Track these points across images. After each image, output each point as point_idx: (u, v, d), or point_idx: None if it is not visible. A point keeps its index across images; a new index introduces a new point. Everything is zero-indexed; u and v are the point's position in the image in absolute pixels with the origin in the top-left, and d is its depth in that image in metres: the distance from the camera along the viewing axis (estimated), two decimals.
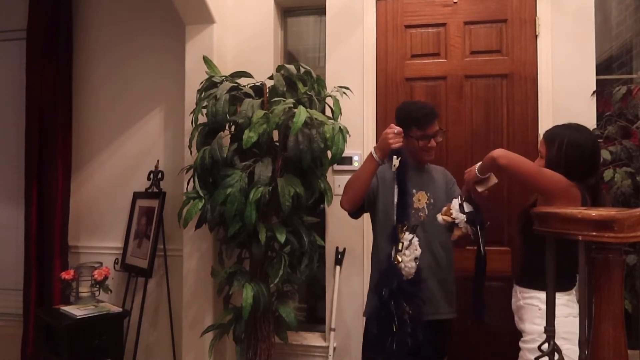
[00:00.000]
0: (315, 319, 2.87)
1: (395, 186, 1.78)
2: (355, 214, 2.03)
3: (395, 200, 1.78)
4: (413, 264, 1.75)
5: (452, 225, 1.81)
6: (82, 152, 3.11)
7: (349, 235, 2.63)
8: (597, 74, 2.44)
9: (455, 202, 1.79)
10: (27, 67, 3.03)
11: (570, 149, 1.64)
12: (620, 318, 0.95)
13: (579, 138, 1.66)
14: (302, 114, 2.05)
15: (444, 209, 1.83)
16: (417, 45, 2.65)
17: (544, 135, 1.75)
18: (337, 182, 2.65)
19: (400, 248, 1.74)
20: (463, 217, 1.76)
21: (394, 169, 1.80)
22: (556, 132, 1.71)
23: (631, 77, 2.54)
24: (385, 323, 1.71)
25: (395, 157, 1.79)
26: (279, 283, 2.20)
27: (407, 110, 1.98)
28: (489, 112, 2.56)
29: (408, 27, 2.66)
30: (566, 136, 1.66)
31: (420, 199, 1.96)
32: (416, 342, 1.70)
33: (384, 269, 1.78)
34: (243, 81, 2.38)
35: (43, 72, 2.98)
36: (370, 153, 1.83)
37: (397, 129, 1.78)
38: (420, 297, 1.78)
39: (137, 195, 2.98)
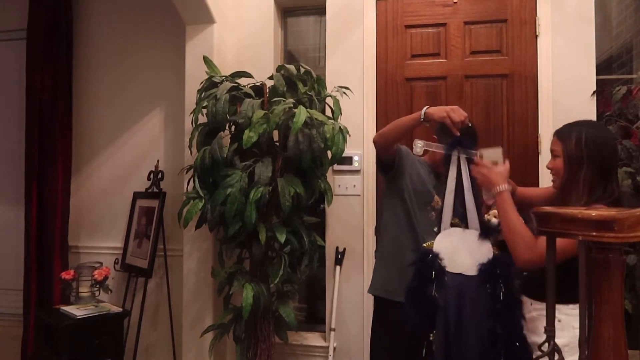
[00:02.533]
0: (315, 319, 2.87)
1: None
2: (384, 162, 1.96)
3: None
4: None
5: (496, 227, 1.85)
6: (82, 152, 3.11)
7: (349, 235, 2.63)
8: (597, 74, 2.44)
9: None
10: (27, 67, 3.03)
11: (591, 143, 1.52)
12: (620, 318, 0.95)
13: (597, 132, 1.57)
14: (302, 114, 2.05)
15: (494, 211, 1.87)
16: (417, 45, 2.65)
17: (557, 132, 1.63)
18: (337, 182, 2.65)
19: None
20: None
21: (415, 149, 1.76)
22: (570, 128, 1.59)
23: (631, 77, 2.54)
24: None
25: (421, 143, 1.76)
26: (279, 283, 2.20)
27: None
28: (489, 112, 2.56)
29: (408, 27, 2.66)
30: (583, 130, 1.55)
31: (437, 201, 1.98)
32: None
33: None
34: (243, 81, 2.38)
35: (43, 72, 2.98)
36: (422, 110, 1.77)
37: (465, 116, 1.71)
38: None
39: (137, 195, 2.98)
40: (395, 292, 1.90)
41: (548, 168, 1.68)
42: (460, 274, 1.63)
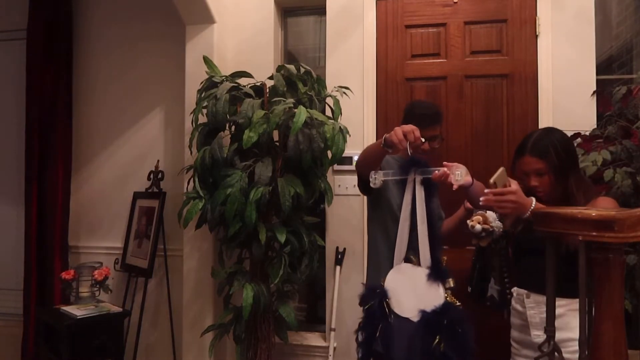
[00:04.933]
0: (315, 319, 2.87)
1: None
2: (365, 185, 1.78)
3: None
4: None
5: (479, 234, 1.82)
6: (82, 152, 3.11)
7: (349, 235, 2.63)
8: (597, 74, 2.44)
9: (491, 213, 1.82)
10: (27, 67, 3.03)
11: (567, 147, 1.63)
12: (620, 318, 0.95)
13: (560, 134, 1.65)
14: (302, 114, 2.05)
15: (478, 217, 1.83)
16: (417, 45, 2.65)
17: (534, 152, 1.62)
18: (337, 182, 2.65)
19: (452, 285, 1.57)
20: (500, 225, 1.78)
21: (372, 182, 1.56)
22: (544, 143, 1.62)
23: (631, 77, 2.54)
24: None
25: (378, 175, 1.55)
26: (279, 283, 2.20)
27: (411, 106, 1.96)
28: (489, 112, 2.56)
29: (408, 27, 2.66)
30: (553, 140, 1.62)
31: None
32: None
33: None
34: (243, 81, 2.38)
35: (43, 72, 2.98)
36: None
37: (416, 133, 1.50)
38: None
39: (137, 195, 2.98)
40: None
41: (533, 186, 1.63)
42: (407, 319, 1.42)
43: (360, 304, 1.55)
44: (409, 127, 1.51)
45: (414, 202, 1.51)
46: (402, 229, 1.51)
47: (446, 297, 1.42)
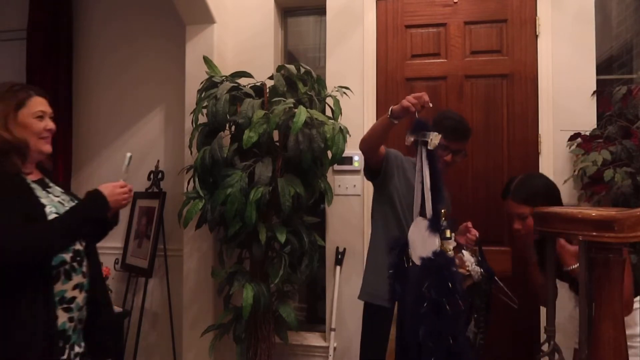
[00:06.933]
0: (315, 319, 2.87)
1: (426, 167, 1.60)
2: (372, 168, 1.92)
3: (428, 183, 1.61)
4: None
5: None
6: (82, 152, 3.11)
7: (349, 235, 2.63)
8: (597, 74, 2.44)
9: (467, 255, 1.78)
10: (28, 67, 3.03)
11: (548, 192, 1.68)
12: (621, 318, 0.95)
13: (544, 179, 1.75)
14: (302, 114, 2.05)
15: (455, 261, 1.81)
16: (418, 45, 2.65)
17: (514, 197, 1.71)
18: (338, 182, 2.65)
19: (448, 236, 1.60)
20: (479, 269, 1.77)
21: (407, 142, 1.64)
22: (528, 188, 1.70)
23: (631, 77, 2.54)
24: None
25: (413, 132, 1.60)
26: (279, 283, 2.21)
27: (443, 116, 1.95)
28: (489, 112, 2.56)
29: (408, 27, 2.66)
30: (531, 185, 1.69)
31: None
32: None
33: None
34: (243, 81, 2.38)
35: (43, 72, 2.98)
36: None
37: (425, 97, 1.61)
38: None
39: (137, 195, 2.97)
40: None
41: (516, 229, 1.71)
42: (417, 265, 1.57)
43: (389, 254, 1.70)
44: (418, 93, 1.62)
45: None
46: (417, 190, 1.64)
47: (441, 246, 1.54)
